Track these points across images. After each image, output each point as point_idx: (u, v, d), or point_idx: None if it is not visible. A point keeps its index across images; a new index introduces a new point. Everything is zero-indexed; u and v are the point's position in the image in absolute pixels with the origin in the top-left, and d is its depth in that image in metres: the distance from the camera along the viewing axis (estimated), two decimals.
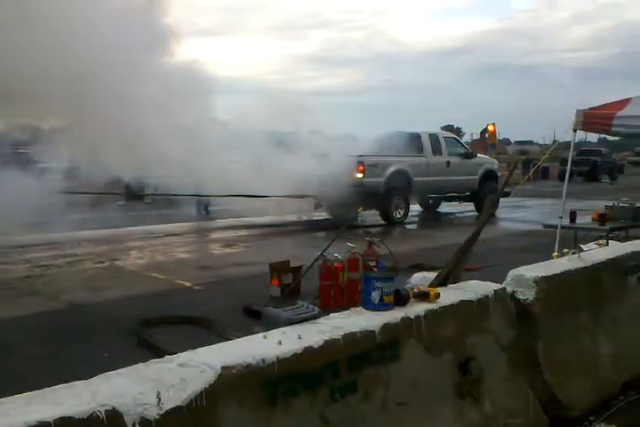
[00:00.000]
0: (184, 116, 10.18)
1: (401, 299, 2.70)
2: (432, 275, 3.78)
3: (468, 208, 15.39)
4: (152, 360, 2.03)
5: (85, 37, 7.65)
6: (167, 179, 10.82)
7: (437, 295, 2.80)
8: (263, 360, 2.05)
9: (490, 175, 15.15)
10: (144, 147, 9.02)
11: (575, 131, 7.75)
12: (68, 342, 4.82)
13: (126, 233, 11.07)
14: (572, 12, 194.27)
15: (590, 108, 7.54)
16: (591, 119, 7.48)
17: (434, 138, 14.22)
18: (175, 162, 10.28)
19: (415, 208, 14.99)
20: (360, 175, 12.27)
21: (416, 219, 14.71)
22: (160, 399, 1.77)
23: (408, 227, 13.21)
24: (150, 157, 9.47)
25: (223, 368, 1.95)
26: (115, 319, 5.42)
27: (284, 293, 5.76)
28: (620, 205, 8.52)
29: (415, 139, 13.82)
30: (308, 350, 2.19)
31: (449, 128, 49.86)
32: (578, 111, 7.48)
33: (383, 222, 12.79)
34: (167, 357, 2.07)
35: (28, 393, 1.74)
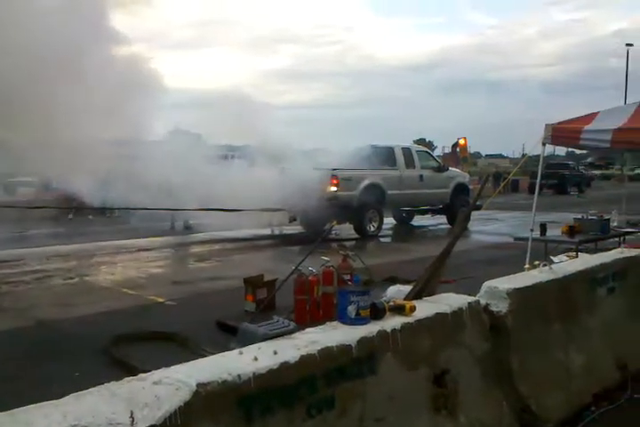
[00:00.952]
0: (134, 126, 9.83)
1: (377, 312, 2.70)
2: (407, 288, 3.80)
3: (440, 221, 15.55)
4: (125, 378, 1.99)
5: (15, 37, 7.29)
6: (128, 193, 10.68)
7: (413, 308, 2.81)
8: (239, 376, 2.03)
9: (461, 188, 15.36)
10: (89, 157, 8.74)
11: (544, 145, 7.91)
12: (36, 361, 4.70)
13: (96, 248, 10.90)
14: (539, 29, 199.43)
15: (559, 123, 7.71)
16: (560, 133, 7.64)
17: (407, 152, 14.38)
18: (136, 175, 10.12)
19: (389, 221, 15.08)
20: (334, 189, 12.33)
21: (390, 232, 14.79)
22: (133, 419, 1.73)
23: (382, 240, 13.27)
24: (101, 168, 9.23)
25: (198, 385, 1.92)
26: (85, 337, 5.31)
27: (259, 307, 5.71)
28: (589, 217, 8.69)
29: (388, 152, 13.96)
30: (285, 366, 2.17)
31: (421, 142, 50.52)
32: (547, 126, 7.63)
33: (357, 236, 12.83)
34: (141, 375, 2.03)
35: None
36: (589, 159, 54.13)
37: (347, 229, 13.11)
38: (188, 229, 13.61)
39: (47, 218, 14.83)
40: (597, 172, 46.82)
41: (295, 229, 13.47)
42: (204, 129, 11.92)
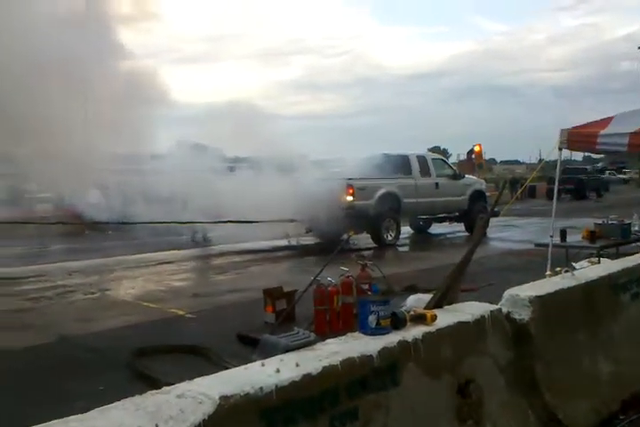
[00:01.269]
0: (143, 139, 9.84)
1: (398, 322, 2.68)
2: (426, 296, 3.78)
3: (458, 228, 15.45)
4: (149, 392, 2.00)
5: (22, 50, 7.29)
6: (143, 207, 10.76)
7: (434, 317, 2.79)
8: (261, 389, 2.02)
9: (478, 195, 15.27)
10: (95, 170, 8.75)
11: (561, 150, 7.85)
12: (60, 377, 4.73)
13: (116, 262, 10.99)
14: (549, 34, 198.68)
15: (574, 127, 7.65)
16: (576, 138, 7.58)
17: (422, 160, 14.35)
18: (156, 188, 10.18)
19: (406, 230, 15.03)
20: (350, 198, 12.32)
21: (407, 241, 14.74)
22: None
23: (400, 249, 13.22)
24: (110, 182, 9.26)
25: (221, 398, 1.92)
26: (108, 351, 5.34)
27: (279, 319, 5.71)
28: (610, 222, 8.58)
29: (403, 161, 13.95)
30: (307, 378, 2.16)
31: (436, 149, 50.42)
32: (562, 131, 7.58)
33: (375, 245, 12.79)
34: (164, 388, 2.03)
35: None
36: (600, 164, 53.58)
37: (364, 239, 13.08)
38: (207, 241, 13.65)
39: (65, 233, 15.03)
40: (613, 176, 46.35)
41: (312, 239, 13.48)
42: (215, 141, 12.03)
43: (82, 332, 6.11)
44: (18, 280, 9.21)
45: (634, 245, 8.69)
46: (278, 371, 2.14)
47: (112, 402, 1.92)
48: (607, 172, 47.74)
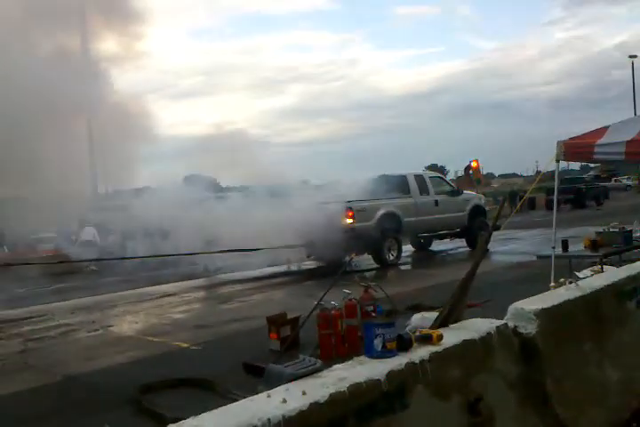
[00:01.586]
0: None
1: (404, 344, 2.65)
2: (431, 315, 3.75)
3: (459, 244, 15.42)
4: None
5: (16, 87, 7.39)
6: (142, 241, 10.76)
7: (440, 337, 2.75)
8: (269, 421, 1.99)
9: (478, 210, 15.29)
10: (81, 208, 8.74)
11: (558, 161, 7.89)
12: (66, 417, 4.67)
13: (119, 297, 10.92)
14: (541, 48, 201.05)
15: (570, 139, 7.70)
16: (573, 149, 7.63)
17: (420, 178, 14.40)
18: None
19: (407, 248, 14.99)
20: (350, 221, 12.33)
21: (409, 259, 14.69)
22: None
23: (402, 268, 13.18)
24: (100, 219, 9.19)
25: None
26: (113, 388, 5.28)
27: (284, 346, 5.65)
28: (611, 230, 8.57)
29: (402, 181, 14.00)
30: (314, 406, 2.12)
31: (433, 167, 50.71)
32: (558, 142, 7.62)
33: (377, 265, 12.74)
34: (170, 425, 2.00)
35: None
36: (591, 172, 53.81)
37: (366, 260, 13.04)
38: (218, 270, 13.42)
39: (69, 272, 15.00)
40: (608, 183, 46.38)
41: (313, 263, 13.43)
42: (211, 171, 12.15)
43: (86, 369, 6.04)
44: (20, 322, 9.13)
45: (636, 251, 8.68)
46: (285, 401, 2.11)
47: None
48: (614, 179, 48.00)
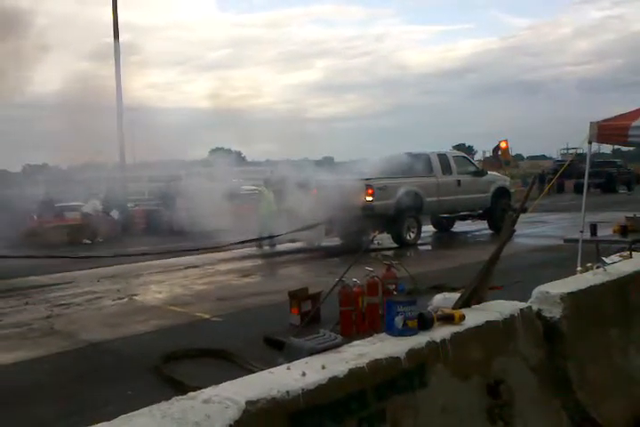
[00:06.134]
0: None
1: (425, 323, 2.63)
2: (453, 295, 3.71)
3: (482, 226, 15.26)
4: (175, 398, 1.98)
5: None
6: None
7: (462, 317, 2.73)
8: (288, 393, 2.00)
9: (502, 192, 15.07)
10: None
11: (590, 143, 7.69)
12: (90, 382, 4.78)
13: (144, 267, 11.08)
14: (574, 27, 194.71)
15: (604, 120, 7.49)
16: (606, 131, 7.42)
17: (443, 158, 14.22)
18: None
19: (428, 229, 14.87)
20: (370, 198, 12.25)
21: (430, 239, 14.59)
22: None
23: (422, 248, 13.10)
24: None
25: (247, 403, 1.90)
26: (136, 356, 5.39)
27: (304, 321, 5.69)
28: None
29: (424, 160, 13.84)
30: (333, 381, 2.13)
31: (461, 147, 49.96)
32: (591, 124, 7.42)
33: (395, 245, 12.68)
34: (190, 393, 2.02)
35: None
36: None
37: (387, 238, 13.00)
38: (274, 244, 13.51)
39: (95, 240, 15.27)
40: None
41: (334, 240, 13.42)
42: (238, 145, 12.24)
43: (110, 337, 6.16)
44: (47, 287, 9.34)
45: None
46: (304, 374, 2.12)
47: (140, 407, 1.91)
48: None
